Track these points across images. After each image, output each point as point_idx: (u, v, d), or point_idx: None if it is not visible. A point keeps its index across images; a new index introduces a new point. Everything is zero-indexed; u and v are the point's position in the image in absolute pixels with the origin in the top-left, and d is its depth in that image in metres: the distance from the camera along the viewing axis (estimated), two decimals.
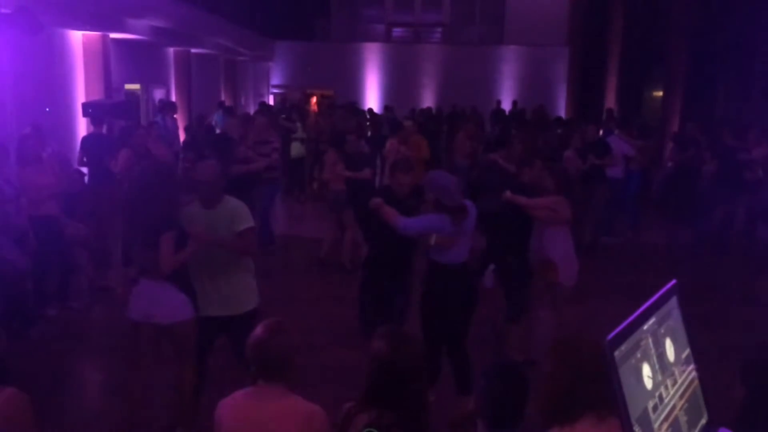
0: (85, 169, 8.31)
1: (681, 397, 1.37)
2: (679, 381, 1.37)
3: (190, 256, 3.96)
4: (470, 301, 4.61)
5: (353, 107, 17.08)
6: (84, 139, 8.61)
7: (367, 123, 14.25)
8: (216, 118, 14.79)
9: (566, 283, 5.48)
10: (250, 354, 2.52)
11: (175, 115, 12.58)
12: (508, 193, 5.32)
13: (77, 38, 10.27)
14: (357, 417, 2.43)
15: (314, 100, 22.32)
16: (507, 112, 19.41)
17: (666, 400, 1.31)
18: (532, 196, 5.34)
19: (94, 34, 10.30)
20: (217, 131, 13.25)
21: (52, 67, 9.74)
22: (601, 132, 11.94)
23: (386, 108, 17.90)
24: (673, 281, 1.48)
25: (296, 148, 12.87)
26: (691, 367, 1.44)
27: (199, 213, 4.12)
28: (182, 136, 12.61)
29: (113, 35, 10.75)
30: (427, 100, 21.50)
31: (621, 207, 10.01)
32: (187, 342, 4.06)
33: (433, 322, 4.52)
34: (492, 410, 2.41)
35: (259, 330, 2.55)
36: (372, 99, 21.91)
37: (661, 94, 17.67)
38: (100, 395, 5.29)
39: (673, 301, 1.44)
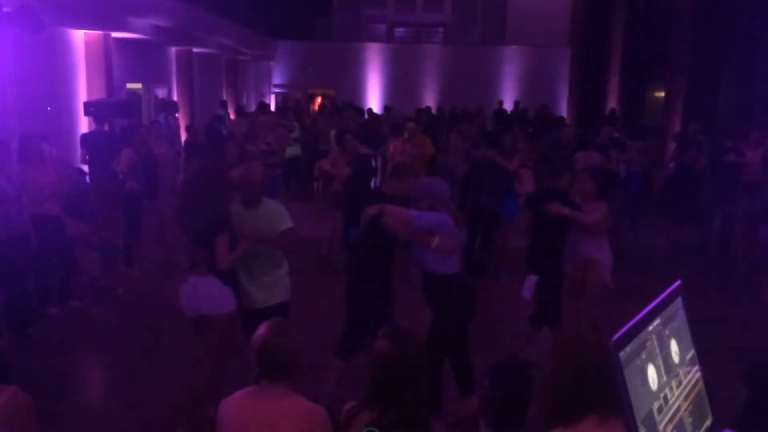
0: (86, 168, 8.31)
1: (686, 398, 1.36)
2: (684, 382, 1.37)
3: (242, 253, 4.16)
4: (474, 305, 4.56)
5: (351, 107, 17.10)
6: (84, 136, 8.61)
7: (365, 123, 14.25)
8: None
9: (609, 284, 5.50)
10: (254, 354, 2.51)
11: (176, 114, 12.58)
12: (562, 208, 5.17)
13: (79, 37, 10.26)
14: (358, 416, 2.43)
15: (318, 100, 22.29)
16: (509, 113, 19.42)
17: (671, 402, 1.30)
18: (571, 203, 5.30)
19: (95, 33, 10.30)
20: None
21: (54, 66, 9.74)
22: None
23: (386, 108, 17.88)
24: (678, 282, 1.48)
25: (291, 148, 12.84)
26: (696, 368, 1.43)
27: (242, 213, 4.31)
28: (183, 136, 12.61)
29: (115, 34, 10.75)
30: (429, 100, 21.48)
31: (622, 207, 10.00)
32: (222, 336, 4.19)
33: (443, 336, 4.43)
34: (495, 410, 2.40)
35: (263, 330, 2.54)
36: (373, 99, 21.91)
37: (662, 94, 17.65)
38: (102, 394, 5.29)
39: (678, 302, 1.43)
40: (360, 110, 16.83)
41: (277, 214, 4.36)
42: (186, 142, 11.96)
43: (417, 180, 4.90)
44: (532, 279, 5.29)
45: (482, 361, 2.67)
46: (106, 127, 8.64)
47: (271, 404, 2.50)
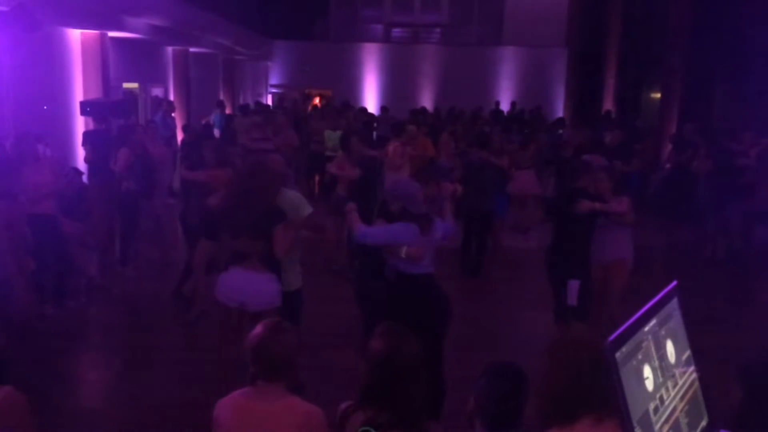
0: (82, 167, 8.30)
1: (682, 398, 1.36)
2: (680, 383, 1.37)
3: (293, 241, 4.36)
4: (445, 309, 4.36)
5: (349, 106, 17.05)
6: (86, 133, 8.61)
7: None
8: (214, 118, 14.78)
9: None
10: (250, 354, 2.50)
11: (173, 114, 12.57)
12: (593, 204, 5.10)
13: (75, 36, 10.24)
14: (354, 416, 2.42)
15: (316, 100, 22.25)
16: (506, 113, 19.45)
17: (667, 402, 1.30)
18: (597, 200, 5.24)
19: (92, 33, 10.28)
20: (215, 130, 13.27)
21: (50, 65, 9.71)
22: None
23: (383, 109, 17.82)
24: (674, 283, 1.48)
25: None
26: (692, 368, 1.43)
27: None
28: (180, 135, 12.59)
29: (112, 34, 10.73)
30: (426, 100, 21.49)
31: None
32: None
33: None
34: (490, 410, 2.40)
35: (258, 330, 2.52)
36: (370, 99, 21.91)
37: (659, 95, 17.68)
38: (98, 394, 5.28)
39: (674, 303, 1.44)
40: (363, 110, 16.79)
41: (297, 202, 4.56)
42: (182, 141, 11.95)
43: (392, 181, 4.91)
44: (575, 284, 5.11)
45: (478, 361, 2.67)
46: (104, 126, 8.64)
47: (267, 405, 2.49)
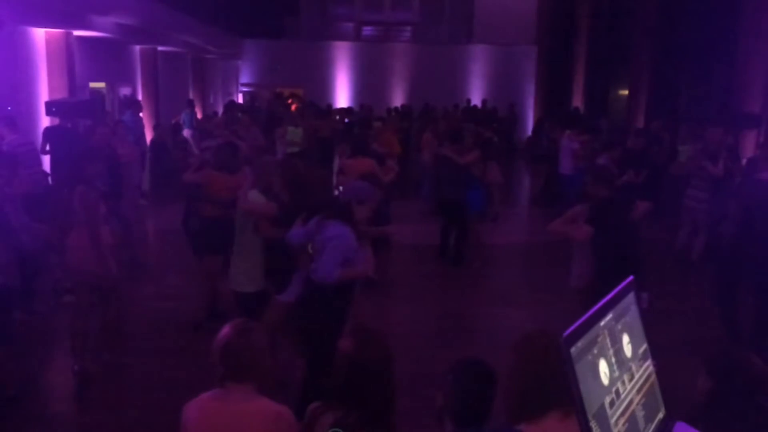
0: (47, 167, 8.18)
1: (638, 392, 1.38)
2: (636, 376, 1.39)
3: None
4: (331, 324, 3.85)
5: (316, 107, 17.01)
6: (47, 129, 8.51)
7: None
8: (184, 117, 14.63)
9: None
10: (217, 354, 2.48)
11: (140, 114, 12.42)
12: (644, 204, 5.06)
13: (40, 35, 10.06)
14: (323, 416, 2.42)
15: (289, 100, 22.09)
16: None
17: (623, 396, 1.32)
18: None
19: (57, 32, 10.11)
20: (185, 130, 13.14)
21: (15, 65, 9.52)
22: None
23: (362, 107, 17.75)
24: (630, 277, 1.51)
25: None
26: (649, 362, 1.46)
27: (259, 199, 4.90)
28: (149, 135, 12.45)
29: (77, 32, 10.56)
30: (397, 98, 21.54)
31: (569, 204, 9.82)
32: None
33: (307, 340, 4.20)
34: (459, 407, 2.42)
35: (226, 330, 2.51)
36: (342, 97, 21.89)
37: (626, 92, 17.94)
38: (67, 399, 5.20)
39: (630, 297, 1.46)
40: (349, 109, 16.76)
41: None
42: (152, 141, 11.82)
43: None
44: (645, 296, 4.60)
45: (448, 357, 2.69)
46: (68, 125, 8.52)
47: (236, 406, 2.47)
